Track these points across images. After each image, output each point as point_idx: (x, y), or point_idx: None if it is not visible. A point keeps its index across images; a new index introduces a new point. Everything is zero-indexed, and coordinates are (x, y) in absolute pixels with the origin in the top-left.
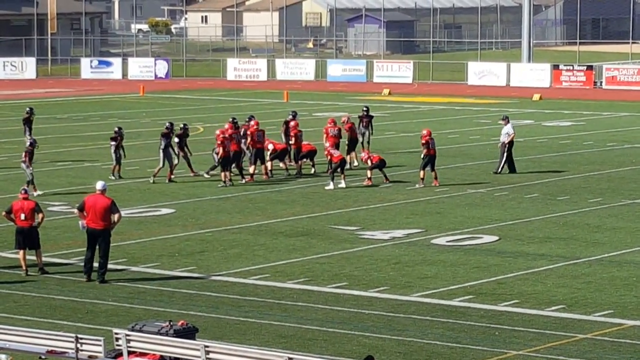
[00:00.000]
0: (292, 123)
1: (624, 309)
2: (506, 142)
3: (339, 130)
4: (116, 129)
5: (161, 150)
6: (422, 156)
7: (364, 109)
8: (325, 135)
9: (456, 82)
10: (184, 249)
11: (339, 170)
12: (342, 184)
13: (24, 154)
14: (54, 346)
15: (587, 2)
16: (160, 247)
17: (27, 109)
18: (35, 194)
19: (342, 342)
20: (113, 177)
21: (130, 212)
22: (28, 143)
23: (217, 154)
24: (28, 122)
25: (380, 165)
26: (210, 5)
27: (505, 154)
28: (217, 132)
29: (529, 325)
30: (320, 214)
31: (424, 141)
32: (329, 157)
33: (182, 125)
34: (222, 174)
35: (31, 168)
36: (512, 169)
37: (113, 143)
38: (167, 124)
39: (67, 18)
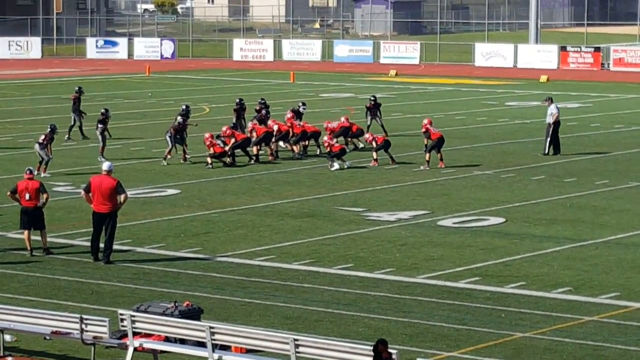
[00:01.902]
0: (288, 115)
1: (630, 292)
2: (551, 122)
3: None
4: (103, 110)
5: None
6: (425, 143)
7: (372, 98)
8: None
9: (463, 63)
10: (189, 229)
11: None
12: (336, 166)
13: (43, 136)
14: (59, 327)
15: None
16: (165, 227)
17: (76, 87)
18: (42, 174)
19: (347, 324)
20: (102, 159)
21: (135, 192)
22: (49, 129)
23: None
24: (77, 101)
25: (385, 146)
26: None
27: (550, 135)
28: (207, 135)
29: (535, 308)
30: (326, 195)
31: (424, 130)
32: (328, 149)
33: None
34: (209, 158)
35: (50, 151)
36: (557, 150)
37: (101, 125)
38: (183, 106)
39: None
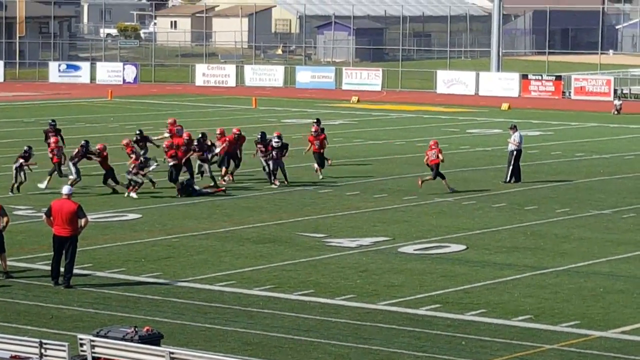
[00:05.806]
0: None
1: (590, 320)
2: (513, 150)
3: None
4: (26, 148)
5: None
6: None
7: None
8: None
9: (425, 90)
10: (150, 254)
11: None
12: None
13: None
14: (18, 351)
15: (556, 13)
16: (126, 252)
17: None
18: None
19: (308, 350)
20: (11, 194)
21: (96, 216)
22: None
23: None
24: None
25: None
26: (180, 10)
27: (512, 163)
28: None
29: (496, 335)
30: (288, 220)
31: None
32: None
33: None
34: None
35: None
36: (518, 178)
37: (22, 161)
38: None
39: (36, 21)
